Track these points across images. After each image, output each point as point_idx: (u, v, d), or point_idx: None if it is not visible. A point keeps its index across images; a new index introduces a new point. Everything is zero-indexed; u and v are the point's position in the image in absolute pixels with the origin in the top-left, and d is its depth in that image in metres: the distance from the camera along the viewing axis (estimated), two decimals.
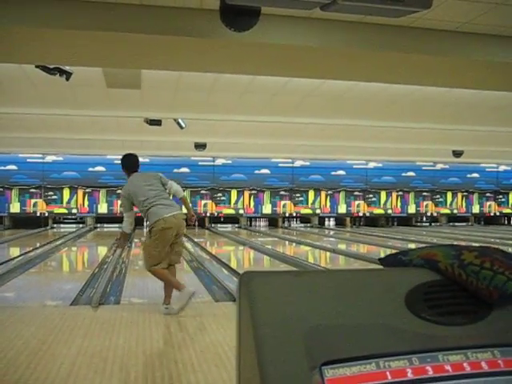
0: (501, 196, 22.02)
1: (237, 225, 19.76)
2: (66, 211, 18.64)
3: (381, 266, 0.54)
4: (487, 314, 0.48)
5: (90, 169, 18.37)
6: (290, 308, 0.45)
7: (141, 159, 18.98)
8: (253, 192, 19.67)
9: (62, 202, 18.58)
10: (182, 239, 5.63)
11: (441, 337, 0.46)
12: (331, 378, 0.44)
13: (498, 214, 22.05)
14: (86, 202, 18.70)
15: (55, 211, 18.59)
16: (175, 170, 18.91)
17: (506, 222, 22.29)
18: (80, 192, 18.57)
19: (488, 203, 21.91)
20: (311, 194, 20.18)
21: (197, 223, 19.30)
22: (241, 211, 19.63)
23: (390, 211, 21.00)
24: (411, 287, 0.49)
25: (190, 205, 6.06)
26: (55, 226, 18.78)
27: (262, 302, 0.45)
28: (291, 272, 0.51)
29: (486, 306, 0.48)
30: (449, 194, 21.53)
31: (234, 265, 9.60)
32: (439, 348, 0.46)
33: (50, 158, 18.36)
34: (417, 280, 0.49)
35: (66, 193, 18.57)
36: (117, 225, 19.02)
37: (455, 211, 21.62)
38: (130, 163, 5.73)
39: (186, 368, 3.47)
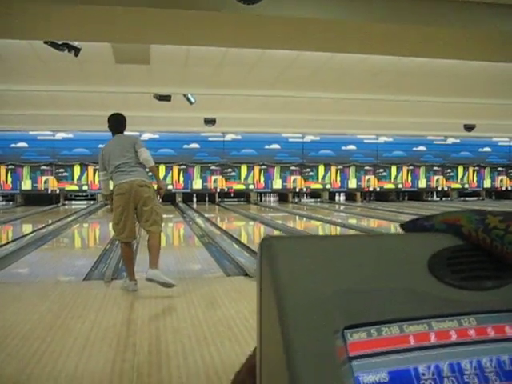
0: None
1: (247, 200, 19.79)
2: (76, 188, 18.74)
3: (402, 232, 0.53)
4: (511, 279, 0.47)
5: (100, 145, 18.27)
6: (313, 272, 0.45)
7: (150, 135, 19.14)
8: (263, 167, 19.64)
9: (72, 179, 18.68)
10: (152, 208, 5.17)
11: (464, 302, 0.46)
12: (354, 342, 0.43)
13: (509, 188, 21.91)
14: (97, 179, 18.76)
15: (66, 188, 18.70)
16: (185, 146, 18.90)
17: None
18: (90, 169, 18.63)
19: (500, 178, 21.75)
20: (321, 168, 20.12)
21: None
22: (251, 186, 19.64)
23: (400, 186, 20.93)
24: (434, 252, 0.48)
25: (162, 178, 6.06)
26: (66, 202, 18.90)
27: (284, 266, 0.44)
28: (313, 236, 0.50)
29: (510, 270, 0.47)
30: (460, 169, 21.39)
31: (244, 240, 9.64)
32: (463, 313, 0.46)
33: (60, 135, 18.41)
34: (440, 245, 0.49)
35: (77, 170, 18.65)
36: None
37: (466, 186, 21.51)
38: (113, 124, 5.56)
39: (199, 342, 3.51)
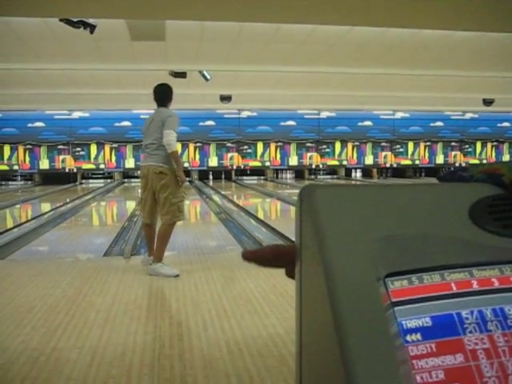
0: None
1: (263, 177, 19.78)
2: (93, 167, 18.85)
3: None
4: None
5: (117, 124, 18.44)
6: (354, 220, 0.44)
7: None
8: (279, 144, 19.58)
9: (89, 158, 18.78)
10: (167, 197, 4.80)
11: (506, 249, 0.45)
12: (395, 289, 0.43)
13: None
14: (114, 158, 18.86)
15: (83, 167, 18.82)
16: (200, 123, 18.89)
17: None
18: (107, 147, 18.71)
19: None
20: (338, 145, 20.01)
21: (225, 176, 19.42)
22: (267, 163, 19.61)
23: (417, 162, 20.76)
24: (475, 200, 0.47)
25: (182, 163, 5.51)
26: (84, 181, 19.05)
27: (325, 214, 0.44)
28: (353, 185, 0.50)
29: None
30: (478, 144, 21.14)
31: (261, 216, 9.67)
32: (504, 260, 0.45)
33: (76, 114, 18.47)
34: (480, 194, 0.48)
35: (94, 148, 18.74)
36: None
37: (484, 161, 21.24)
38: (155, 95, 5.16)
39: (219, 315, 3.54)
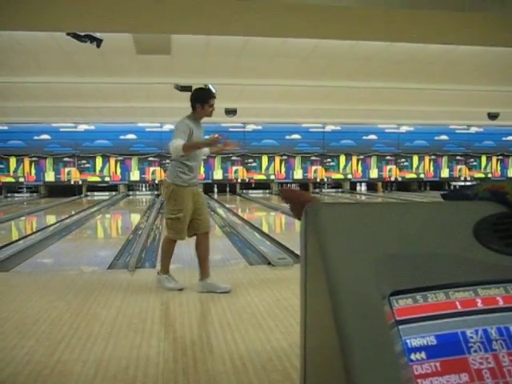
0: None
1: (268, 190, 19.78)
2: (99, 179, 18.91)
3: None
4: None
5: (122, 137, 18.52)
6: (359, 238, 0.45)
7: (171, 126, 19.20)
8: (284, 157, 19.60)
9: (94, 171, 18.85)
10: (165, 212, 4.87)
11: (511, 267, 0.45)
12: (400, 308, 0.44)
13: None
14: (119, 170, 18.91)
15: (88, 179, 18.88)
16: (206, 137, 18.92)
17: None
18: (112, 160, 18.78)
19: None
20: (342, 158, 20.02)
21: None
22: (272, 177, 19.63)
23: (422, 175, 20.74)
24: (479, 219, 0.48)
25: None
26: (89, 193, 19.10)
27: (330, 232, 0.45)
28: (357, 203, 0.50)
29: None
30: (483, 158, 21.12)
31: (266, 229, 9.66)
32: (509, 279, 0.46)
33: (82, 127, 18.57)
34: (484, 212, 0.48)
35: (99, 161, 18.81)
36: (149, 192, 19.29)
37: (490, 175, 21.22)
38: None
39: (223, 328, 3.53)
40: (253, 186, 19.70)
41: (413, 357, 0.42)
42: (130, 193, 19.23)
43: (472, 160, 21.06)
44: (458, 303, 0.44)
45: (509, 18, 5.83)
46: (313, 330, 0.48)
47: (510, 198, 0.49)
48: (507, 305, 0.45)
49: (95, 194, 19.04)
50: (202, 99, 4.71)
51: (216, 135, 4.71)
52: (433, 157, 20.68)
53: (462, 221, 0.48)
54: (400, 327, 0.42)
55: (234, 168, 19.39)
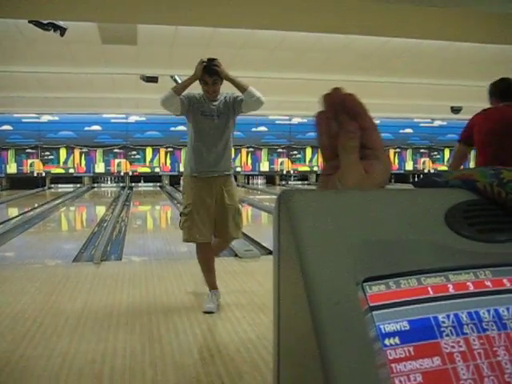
0: None
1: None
2: (63, 171, 18.60)
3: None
4: None
5: (86, 128, 18.23)
6: (332, 225, 0.45)
7: (137, 117, 18.92)
8: (250, 150, 19.61)
9: (58, 162, 18.53)
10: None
11: (481, 253, 0.46)
12: (373, 294, 0.44)
13: None
14: (83, 162, 18.63)
15: (52, 171, 18.55)
16: (172, 129, 18.80)
17: None
18: (76, 152, 18.49)
19: None
20: (308, 151, 20.12)
21: None
22: (238, 169, 19.62)
23: None
24: (450, 206, 0.48)
25: None
26: (53, 185, 18.77)
27: (303, 219, 0.45)
28: (330, 191, 0.50)
29: None
30: (446, 151, 21.50)
31: None
32: (479, 264, 0.46)
33: (45, 118, 18.22)
34: (455, 199, 0.49)
35: (63, 153, 18.49)
36: (114, 184, 19.07)
37: None
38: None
39: (190, 321, 3.52)
40: None
41: (387, 342, 0.42)
42: (95, 185, 18.97)
43: (436, 153, 21.43)
44: (429, 289, 0.45)
45: (469, 12, 5.94)
46: (286, 319, 0.48)
47: (480, 186, 0.50)
48: (477, 290, 0.46)
49: (59, 186, 18.73)
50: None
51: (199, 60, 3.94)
52: (397, 150, 20.96)
53: (433, 208, 0.48)
54: (374, 313, 0.43)
55: None
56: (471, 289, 0.45)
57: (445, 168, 21.38)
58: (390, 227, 0.46)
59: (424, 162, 21.31)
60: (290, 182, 20.46)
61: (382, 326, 0.42)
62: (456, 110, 16.18)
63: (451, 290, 0.44)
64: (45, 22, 6.78)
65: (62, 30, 7.06)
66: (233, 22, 6.58)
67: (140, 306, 3.98)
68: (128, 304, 4.01)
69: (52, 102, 15.02)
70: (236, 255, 5.78)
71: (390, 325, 0.42)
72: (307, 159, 20.15)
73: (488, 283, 0.46)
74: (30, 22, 6.75)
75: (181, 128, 18.95)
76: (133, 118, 18.22)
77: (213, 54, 9.76)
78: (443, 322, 0.43)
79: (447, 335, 0.42)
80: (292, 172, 20.20)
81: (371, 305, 0.43)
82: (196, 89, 3.98)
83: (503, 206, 0.48)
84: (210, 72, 3.89)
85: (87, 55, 9.47)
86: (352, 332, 0.40)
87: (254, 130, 19.50)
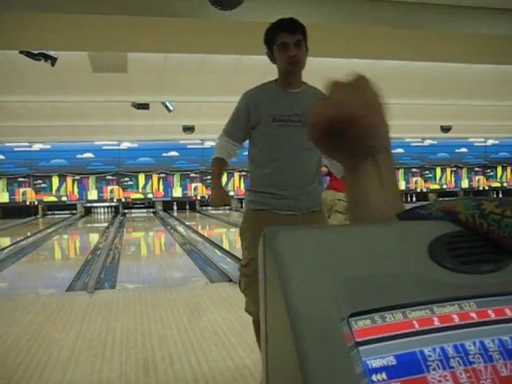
0: (489, 170, 22.15)
1: (228, 207, 19.74)
2: (55, 199, 18.54)
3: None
4: (509, 262, 0.48)
5: (79, 156, 18.23)
6: (317, 262, 0.45)
7: (129, 144, 19.02)
8: (243, 174, 19.64)
9: (51, 190, 18.48)
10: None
11: (465, 285, 0.47)
12: (359, 329, 0.44)
13: (486, 188, 22.20)
14: (76, 190, 18.59)
15: (45, 199, 18.49)
16: (164, 154, 18.84)
17: (495, 195, 22.46)
18: (69, 179, 18.46)
19: (477, 177, 22.05)
20: None
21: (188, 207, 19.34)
22: (231, 193, 19.62)
23: None
24: (433, 238, 0.49)
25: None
26: (49, 212, 18.68)
27: (288, 256, 0.45)
28: (314, 227, 0.51)
29: (508, 254, 0.48)
30: (438, 170, 21.63)
31: (226, 246, 9.63)
32: (464, 296, 0.47)
33: (37, 146, 18.22)
34: (438, 231, 0.50)
35: (55, 181, 18.46)
36: (108, 211, 19.01)
37: (444, 186, 21.74)
38: None
39: (185, 348, 3.49)
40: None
41: (374, 378, 0.42)
42: (89, 212, 18.92)
43: (427, 172, 21.54)
44: (415, 322, 0.45)
45: (460, 35, 6.03)
46: (274, 355, 0.48)
47: (462, 217, 0.50)
48: (462, 322, 0.46)
49: (54, 213, 18.64)
50: (266, 41, 2.83)
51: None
52: None
53: (417, 240, 0.49)
54: (360, 348, 0.43)
55: (193, 185, 19.31)
56: (456, 321, 0.45)
57: (437, 186, 21.49)
58: (374, 262, 0.46)
59: (416, 182, 21.40)
60: None
61: (368, 362, 0.42)
62: (446, 129, 16.33)
63: (436, 323, 0.45)
64: (35, 52, 6.82)
65: (53, 60, 7.09)
66: (221, 48, 6.64)
67: (134, 334, 3.94)
68: (122, 333, 3.97)
69: (43, 130, 15.03)
70: (230, 280, 5.75)
71: (376, 360, 0.42)
72: None
73: (473, 315, 0.46)
74: (20, 52, 6.79)
75: (173, 154, 19.01)
76: (125, 145, 18.26)
77: (203, 80, 9.88)
78: (429, 356, 0.43)
79: (434, 369, 0.42)
80: None
81: (357, 340, 0.43)
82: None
83: (485, 237, 0.48)
84: (289, 27, 2.72)
85: (78, 84, 9.51)
86: (338, 368, 0.40)
87: (245, 154, 19.52)
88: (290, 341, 0.41)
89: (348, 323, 0.43)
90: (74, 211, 18.59)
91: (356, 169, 0.60)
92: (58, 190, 18.50)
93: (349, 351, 0.42)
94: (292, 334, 0.41)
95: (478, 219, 0.49)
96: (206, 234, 11.84)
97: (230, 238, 12.24)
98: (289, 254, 0.44)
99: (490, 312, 0.46)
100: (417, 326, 0.44)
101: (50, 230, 13.39)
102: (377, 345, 0.43)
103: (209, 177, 18.99)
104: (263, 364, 0.49)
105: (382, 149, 0.59)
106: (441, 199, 0.55)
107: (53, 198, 18.51)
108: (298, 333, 0.41)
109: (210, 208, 19.35)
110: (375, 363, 0.42)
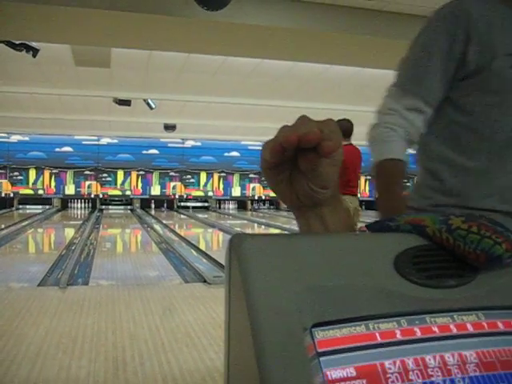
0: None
1: (207, 204, 19.73)
2: (32, 192, 18.32)
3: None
4: (474, 277, 0.49)
5: (57, 149, 18.04)
6: (281, 270, 0.45)
7: (109, 140, 18.93)
8: (222, 174, 19.62)
9: (27, 183, 18.25)
10: None
11: (429, 299, 0.47)
12: (321, 340, 0.44)
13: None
14: (53, 183, 18.39)
15: (21, 192, 18.26)
16: (144, 152, 18.73)
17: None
18: (46, 173, 18.25)
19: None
20: None
21: (165, 205, 19.27)
22: (210, 193, 19.58)
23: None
24: (400, 251, 0.49)
25: None
26: (21, 206, 18.45)
27: (253, 264, 0.45)
28: (281, 235, 0.51)
29: (472, 269, 0.49)
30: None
31: (202, 247, 9.60)
32: (427, 310, 0.47)
33: (15, 138, 17.98)
34: (405, 244, 0.50)
35: (32, 173, 18.23)
36: (84, 205, 18.84)
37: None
38: None
39: (156, 348, 3.47)
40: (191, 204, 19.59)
41: None
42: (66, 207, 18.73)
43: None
44: (377, 335, 0.45)
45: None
46: (235, 363, 0.48)
47: (429, 231, 0.51)
48: (424, 336, 0.46)
49: (27, 207, 18.42)
50: None
51: None
52: (368, 177, 21.18)
53: (384, 253, 0.49)
54: (321, 359, 0.43)
55: (172, 184, 19.24)
56: (418, 335, 0.46)
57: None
58: (339, 272, 0.46)
59: None
60: (261, 207, 20.48)
61: (328, 373, 0.42)
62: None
63: (398, 336, 0.45)
64: (17, 42, 6.74)
65: (35, 51, 7.02)
66: (206, 48, 6.63)
67: (105, 332, 3.90)
68: (93, 330, 3.93)
69: (22, 122, 14.86)
70: (205, 281, 5.73)
71: (336, 371, 0.43)
72: None
73: (435, 329, 0.46)
74: (1, 41, 6.70)
75: (153, 151, 18.91)
76: (105, 141, 18.12)
77: (186, 79, 9.86)
78: (389, 369, 0.43)
79: (393, 382, 0.43)
80: (264, 197, 20.24)
81: (319, 350, 0.43)
82: None
83: (451, 252, 0.49)
84: None
85: (60, 76, 9.42)
86: (298, 379, 0.40)
87: (226, 154, 19.55)
88: (250, 349, 0.41)
89: (311, 333, 0.43)
90: (49, 206, 18.37)
91: (301, 216, 0.61)
92: (35, 182, 18.28)
93: (309, 362, 0.42)
94: (253, 343, 0.41)
95: (445, 234, 0.49)
96: (182, 234, 11.79)
97: (207, 238, 12.21)
98: (254, 261, 0.44)
99: (451, 327, 0.46)
100: (379, 338, 0.45)
101: (24, 223, 13.22)
102: (338, 356, 0.43)
103: (188, 176, 19.08)
104: (224, 370, 0.49)
105: (328, 201, 0.58)
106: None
107: (29, 191, 18.29)
108: (259, 342, 0.41)
109: (188, 207, 19.29)
110: (335, 374, 0.42)
